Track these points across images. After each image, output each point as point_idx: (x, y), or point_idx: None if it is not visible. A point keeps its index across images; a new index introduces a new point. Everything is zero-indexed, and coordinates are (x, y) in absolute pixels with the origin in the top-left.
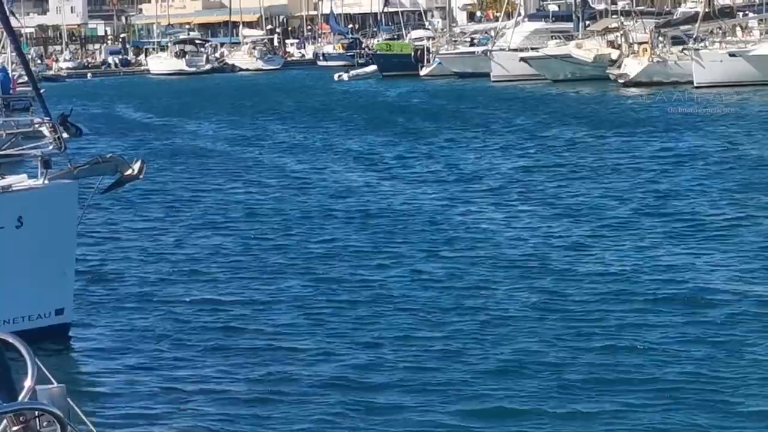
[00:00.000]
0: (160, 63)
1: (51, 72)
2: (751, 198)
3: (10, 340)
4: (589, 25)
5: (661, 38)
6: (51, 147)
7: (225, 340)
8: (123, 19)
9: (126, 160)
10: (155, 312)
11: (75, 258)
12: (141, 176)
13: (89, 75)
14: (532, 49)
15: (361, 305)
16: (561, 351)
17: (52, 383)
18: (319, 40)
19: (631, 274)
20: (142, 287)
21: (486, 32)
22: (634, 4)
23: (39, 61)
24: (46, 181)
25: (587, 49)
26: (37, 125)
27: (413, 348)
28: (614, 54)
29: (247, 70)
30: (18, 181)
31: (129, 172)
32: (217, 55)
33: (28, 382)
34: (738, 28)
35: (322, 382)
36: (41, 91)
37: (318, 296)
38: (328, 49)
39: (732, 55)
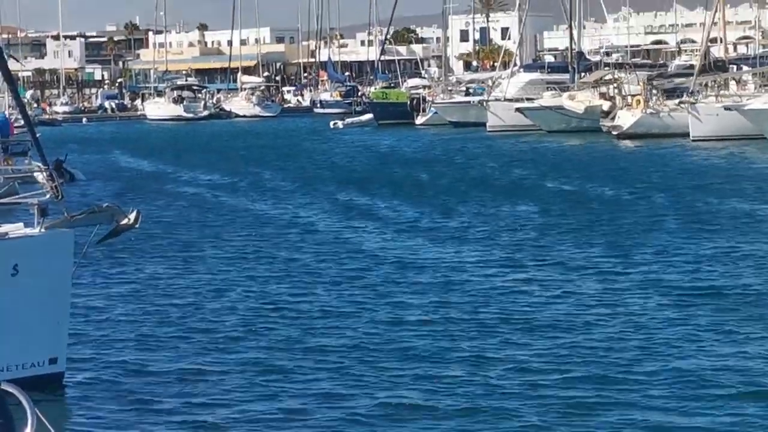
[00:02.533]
0: (158, 108)
1: (47, 116)
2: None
3: (10, 389)
4: (583, 76)
5: (654, 91)
6: (48, 195)
7: (218, 387)
8: (120, 64)
9: (122, 209)
10: (149, 361)
11: (70, 306)
12: (137, 225)
13: (84, 120)
14: (527, 99)
15: (353, 364)
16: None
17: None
18: (318, 87)
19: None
20: (135, 335)
21: (482, 82)
22: (629, 56)
23: (35, 105)
24: (43, 230)
25: (579, 100)
26: (34, 172)
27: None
28: (606, 105)
29: (244, 116)
30: (14, 228)
31: (125, 221)
32: (214, 101)
33: (27, 431)
34: (732, 81)
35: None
36: (37, 135)
37: (306, 347)
38: (326, 96)
39: (727, 108)
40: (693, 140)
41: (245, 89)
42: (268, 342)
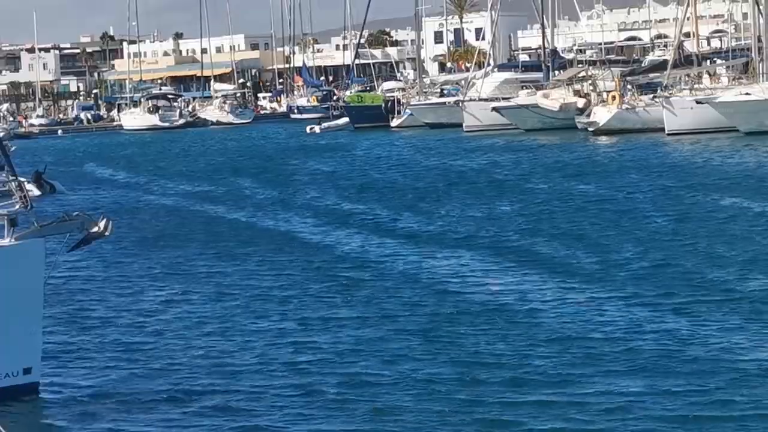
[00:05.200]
0: (134, 119)
1: (23, 129)
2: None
3: None
4: (557, 74)
5: (629, 86)
6: (17, 206)
7: (192, 399)
8: (95, 75)
9: (92, 217)
10: (124, 371)
11: (42, 316)
12: (107, 233)
13: (60, 131)
14: (503, 98)
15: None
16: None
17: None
18: (294, 92)
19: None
20: (110, 345)
21: (456, 83)
22: (603, 53)
23: (11, 119)
24: (13, 240)
25: (553, 98)
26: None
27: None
28: (580, 102)
29: (219, 123)
30: None
31: (95, 229)
32: (190, 109)
33: None
34: (706, 75)
35: None
36: (12, 149)
37: (287, 356)
38: (302, 101)
39: (699, 102)
40: (668, 134)
41: (218, 97)
42: (249, 346)
